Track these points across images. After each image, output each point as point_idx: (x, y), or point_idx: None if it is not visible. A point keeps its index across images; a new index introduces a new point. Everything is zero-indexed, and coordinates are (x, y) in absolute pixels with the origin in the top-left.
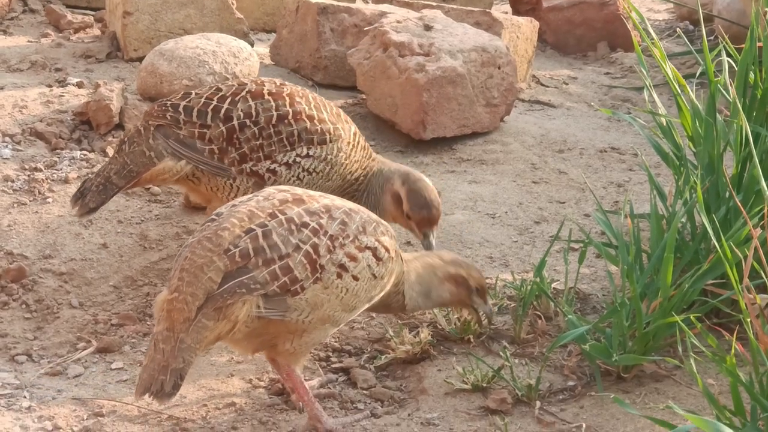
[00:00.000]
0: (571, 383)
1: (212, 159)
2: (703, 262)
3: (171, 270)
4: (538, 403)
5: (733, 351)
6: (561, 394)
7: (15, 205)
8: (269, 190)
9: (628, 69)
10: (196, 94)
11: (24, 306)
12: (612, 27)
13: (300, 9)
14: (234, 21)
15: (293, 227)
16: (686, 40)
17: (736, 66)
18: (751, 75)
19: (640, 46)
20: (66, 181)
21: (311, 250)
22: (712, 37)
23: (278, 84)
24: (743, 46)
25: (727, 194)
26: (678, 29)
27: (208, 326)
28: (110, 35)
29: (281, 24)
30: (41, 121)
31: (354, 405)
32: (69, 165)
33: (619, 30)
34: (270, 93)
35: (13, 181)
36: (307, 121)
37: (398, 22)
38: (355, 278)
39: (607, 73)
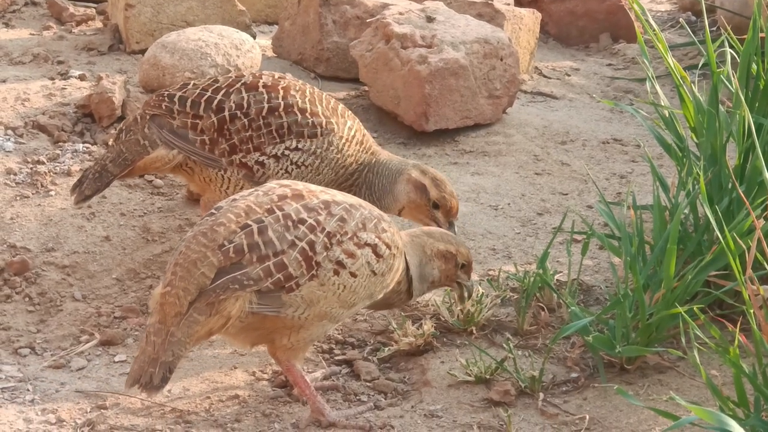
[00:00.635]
0: (574, 375)
1: (203, 150)
2: (706, 253)
3: (168, 261)
4: (541, 395)
5: (736, 342)
6: (564, 386)
7: (18, 198)
8: (270, 184)
9: (630, 60)
10: (193, 85)
11: (27, 299)
12: (614, 18)
13: (302, 1)
14: (236, 13)
15: (290, 223)
16: (689, 30)
17: (739, 57)
18: (754, 66)
19: (642, 37)
20: (68, 174)
21: (307, 247)
22: (714, 28)
23: (276, 77)
24: (746, 36)
25: (730, 185)
26: (680, 20)
27: (200, 321)
28: (112, 27)
29: (283, 16)
30: (44, 114)
31: (357, 397)
32: (71, 158)
33: (622, 21)
34: (265, 85)
35: (15, 174)
36: (299, 114)
37: (400, 13)
38: (353, 275)
39: (610, 65)
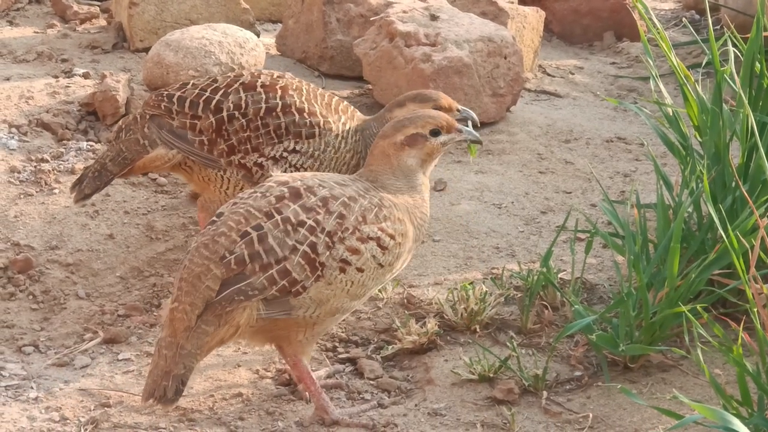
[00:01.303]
0: (577, 373)
1: (202, 150)
2: (709, 251)
3: (177, 269)
4: (544, 393)
5: (740, 341)
6: (568, 384)
7: (22, 196)
8: (269, 182)
9: (634, 59)
10: (192, 85)
11: (31, 297)
12: (618, 17)
13: None
14: (240, 11)
15: (289, 228)
16: (692, 29)
17: (742, 56)
18: (757, 65)
19: (646, 35)
20: (72, 172)
21: (309, 250)
22: (718, 27)
23: (275, 76)
24: (749, 35)
25: (734, 184)
26: (684, 19)
27: (209, 332)
28: (116, 26)
29: (287, 14)
30: (47, 112)
31: (361, 395)
32: (75, 156)
33: (626, 20)
34: (263, 85)
35: (19, 172)
36: (296, 114)
37: (404, 12)
38: (360, 270)
39: (614, 63)
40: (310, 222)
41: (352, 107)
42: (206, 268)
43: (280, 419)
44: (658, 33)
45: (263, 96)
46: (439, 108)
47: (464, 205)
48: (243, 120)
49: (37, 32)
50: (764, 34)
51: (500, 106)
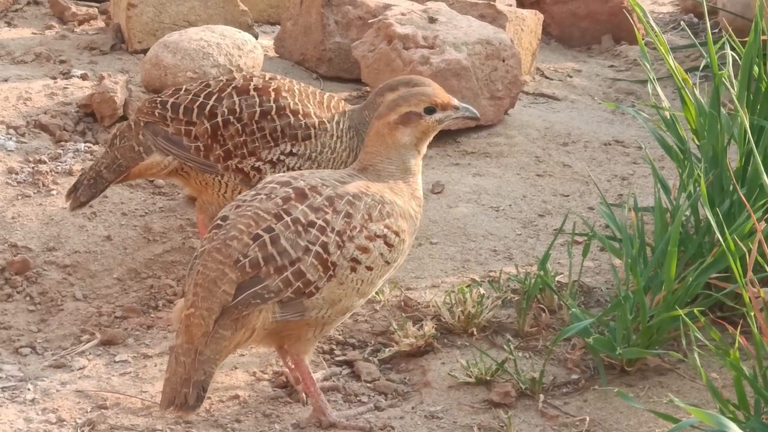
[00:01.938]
0: (574, 377)
1: (198, 156)
2: (706, 255)
3: (186, 279)
4: (541, 397)
5: (736, 345)
6: (565, 388)
7: (19, 197)
8: (272, 184)
9: (632, 62)
10: (185, 90)
11: (28, 298)
12: (616, 20)
13: (304, 1)
14: (238, 13)
15: (300, 228)
16: (690, 33)
17: (740, 59)
18: (755, 68)
19: (644, 39)
20: (70, 173)
21: (321, 250)
22: (716, 30)
23: (267, 78)
24: (747, 39)
25: (731, 188)
26: (682, 22)
27: (226, 336)
28: (114, 27)
29: (286, 16)
30: (45, 113)
31: (358, 398)
32: (73, 157)
33: (624, 23)
34: (256, 88)
35: (17, 174)
36: (291, 116)
37: (402, 14)
38: (369, 268)
39: (612, 66)
40: (320, 222)
41: (344, 101)
42: (221, 273)
43: (276, 421)
44: (656, 36)
45: (257, 99)
46: None
47: (462, 207)
48: (238, 124)
49: (36, 33)
50: (762, 37)
51: (498, 108)
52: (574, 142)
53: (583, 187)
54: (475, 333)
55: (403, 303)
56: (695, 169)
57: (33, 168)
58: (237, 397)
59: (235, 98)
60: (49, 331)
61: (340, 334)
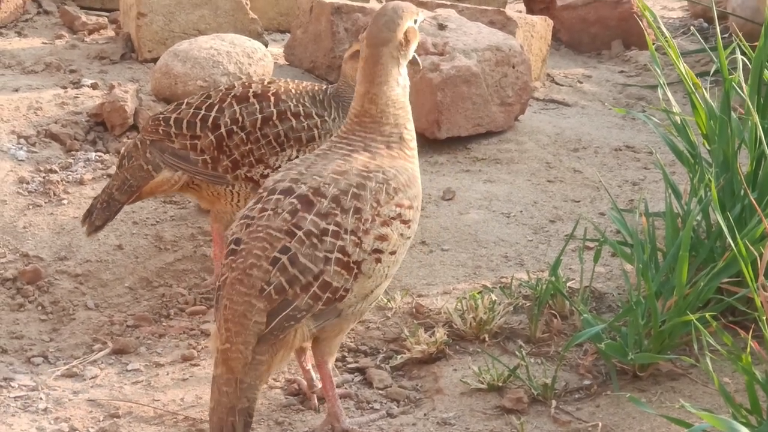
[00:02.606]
0: (586, 382)
1: (206, 169)
2: (718, 260)
3: (214, 311)
4: (554, 402)
5: (748, 349)
6: (577, 393)
7: (30, 206)
8: (275, 194)
9: (642, 67)
10: (186, 104)
11: (40, 308)
12: (626, 25)
13: (314, 9)
14: (248, 21)
15: (315, 240)
16: (700, 38)
17: (751, 64)
18: (766, 72)
19: (654, 44)
20: (81, 182)
21: (341, 255)
22: (726, 35)
23: (265, 83)
24: (757, 43)
25: (742, 192)
26: (692, 27)
27: (264, 361)
28: (124, 36)
29: (295, 24)
30: (56, 122)
31: (370, 405)
32: (84, 167)
33: (634, 28)
34: (255, 95)
35: (28, 183)
36: (293, 119)
37: None
38: (393, 252)
39: (622, 72)
40: (332, 227)
41: (317, 84)
42: (249, 305)
43: (289, 429)
44: (667, 41)
45: (257, 106)
46: None
47: (473, 214)
48: (242, 133)
49: (46, 43)
50: None
51: (508, 115)
52: (584, 147)
53: (594, 192)
54: (486, 339)
55: (414, 310)
56: (706, 174)
57: (44, 177)
58: None
59: (236, 107)
60: (61, 340)
61: (351, 342)
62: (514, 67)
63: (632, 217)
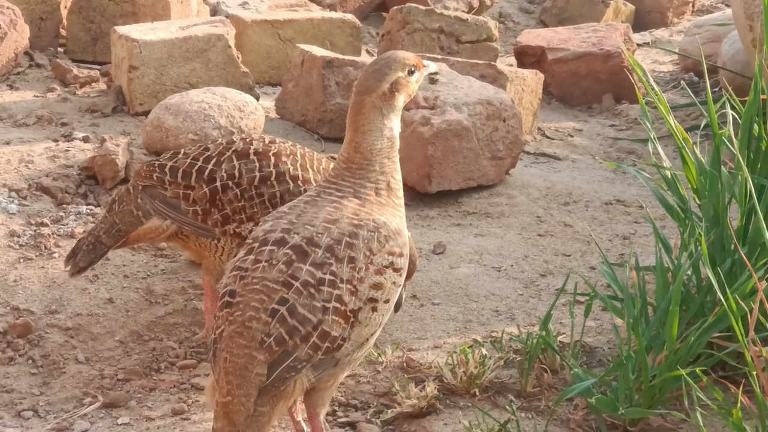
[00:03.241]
0: None
1: (196, 220)
2: (708, 314)
3: (211, 364)
4: None
5: (739, 404)
6: None
7: (21, 260)
8: (267, 246)
9: (633, 121)
10: (184, 153)
11: (30, 361)
12: (617, 79)
13: (305, 62)
14: (239, 75)
15: (312, 290)
16: (690, 92)
17: (740, 118)
18: (756, 127)
19: (644, 98)
20: (72, 235)
21: (338, 304)
22: (716, 89)
23: (267, 142)
24: (747, 98)
25: (732, 247)
26: (682, 81)
27: (265, 413)
28: (116, 89)
29: (286, 77)
30: (47, 176)
31: None
32: (75, 220)
33: (624, 82)
34: (256, 152)
35: (19, 236)
36: (291, 182)
37: None
38: (387, 301)
39: (612, 125)
40: (328, 277)
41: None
42: (249, 357)
43: None
44: (657, 96)
45: (257, 164)
46: None
47: (463, 268)
48: (237, 190)
49: (37, 96)
50: (762, 96)
51: (499, 169)
52: (575, 201)
53: (584, 246)
54: (477, 393)
55: (405, 364)
56: (696, 229)
57: (35, 231)
58: None
59: (235, 162)
60: (51, 394)
61: (342, 396)
62: (505, 121)
63: (623, 271)
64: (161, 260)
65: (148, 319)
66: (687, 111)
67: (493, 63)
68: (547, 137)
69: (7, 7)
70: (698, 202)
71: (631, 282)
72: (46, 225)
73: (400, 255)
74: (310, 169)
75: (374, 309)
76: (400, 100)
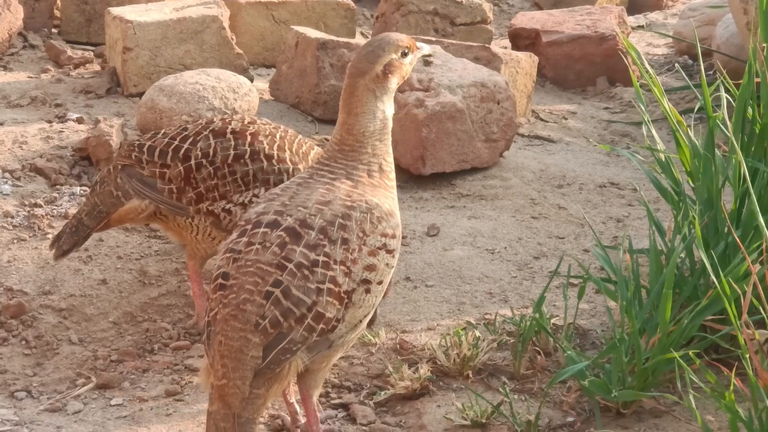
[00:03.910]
0: (570, 419)
1: (171, 198)
2: (702, 297)
3: (205, 347)
4: None
5: (732, 387)
6: (560, 430)
7: (15, 241)
8: (260, 228)
9: (627, 104)
10: (163, 133)
11: (23, 342)
12: (611, 62)
13: (299, 44)
14: (234, 56)
15: (306, 272)
16: (685, 75)
17: (735, 101)
18: (749, 110)
19: (638, 81)
20: (65, 216)
21: (332, 286)
22: (711, 72)
23: (245, 122)
24: (741, 81)
25: (726, 230)
26: (677, 64)
27: (261, 395)
28: (110, 71)
29: (281, 59)
30: (41, 156)
31: None
32: (69, 201)
33: (619, 65)
34: (233, 132)
35: (12, 217)
36: (265, 161)
37: None
38: (380, 283)
39: (607, 108)
40: (321, 258)
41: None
42: (245, 340)
43: None
44: (651, 78)
45: (232, 143)
46: None
47: (457, 250)
48: (211, 168)
49: (31, 77)
50: (756, 80)
51: (493, 151)
52: (569, 184)
53: (578, 229)
54: (470, 376)
55: (398, 346)
56: (690, 211)
57: (28, 212)
58: None
59: (211, 141)
60: (44, 374)
61: (335, 377)
62: (499, 104)
63: (616, 254)
64: (155, 241)
65: (141, 300)
66: (681, 94)
67: (487, 45)
68: (541, 120)
69: None
70: (692, 185)
71: (624, 265)
72: (40, 206)
73: (393, 236)
74: (288, 150)
75: (368, 290)
76: (394, 82)
